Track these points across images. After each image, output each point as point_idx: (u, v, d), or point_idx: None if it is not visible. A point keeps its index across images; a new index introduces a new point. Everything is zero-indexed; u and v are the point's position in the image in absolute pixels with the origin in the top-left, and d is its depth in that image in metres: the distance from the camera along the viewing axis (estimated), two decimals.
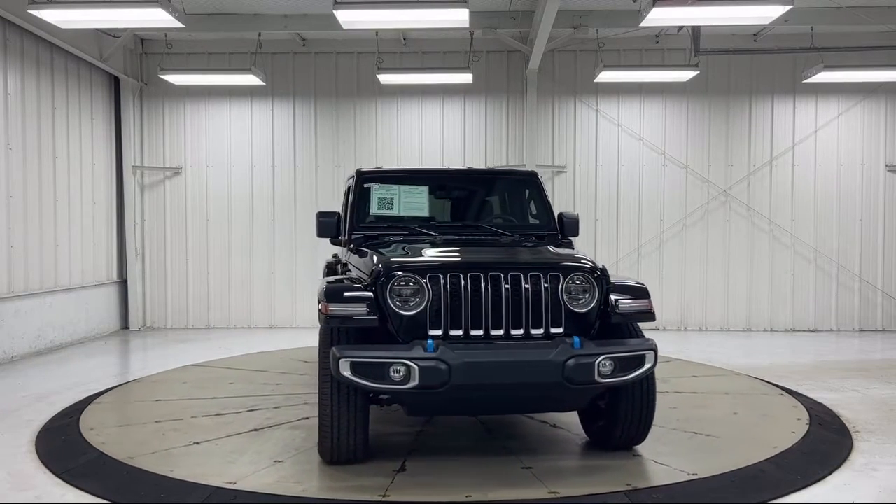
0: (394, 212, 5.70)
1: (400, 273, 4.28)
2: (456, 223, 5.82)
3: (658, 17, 7.30)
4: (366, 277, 4.53)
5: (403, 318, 4.23)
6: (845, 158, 10.99)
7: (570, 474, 4.53)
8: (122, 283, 11.14)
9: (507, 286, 4.29)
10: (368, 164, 10.79)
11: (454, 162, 11.01)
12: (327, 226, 5.66)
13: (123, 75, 10.78)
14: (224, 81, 10.75)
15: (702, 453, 4.87)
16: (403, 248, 4.98)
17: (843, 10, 9.40)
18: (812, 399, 6.46)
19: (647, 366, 4.32)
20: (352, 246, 5.46)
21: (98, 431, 5.33)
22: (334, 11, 7.23)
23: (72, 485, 4.37)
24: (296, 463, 4.64)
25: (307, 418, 5.64)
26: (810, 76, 9.88)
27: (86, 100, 10.25)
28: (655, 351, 4.37)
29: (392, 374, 3.99)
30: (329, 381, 4.25)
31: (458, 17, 7.45)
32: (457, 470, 4.54)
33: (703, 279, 11.04)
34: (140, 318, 11.25)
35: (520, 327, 4.31)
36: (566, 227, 5.81)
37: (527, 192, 6.09)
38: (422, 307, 4.23)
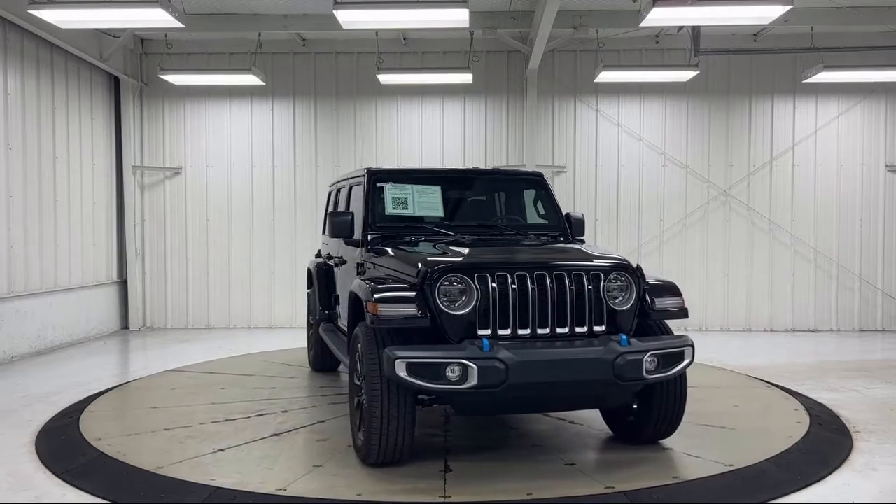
0: (409, 211, 5.72)
1: (449, 273, 4.30)
2: (470, 223, 5.85)
3: (658, 17, 7.30)
4: (408, 276, 4.50)
5: (452, 317, 4.25)
6: (845, 158, 10.98)
7: (616, 469, 4.58)
8: (122, 284, 11.14)
9: (552, 285, 4.36)
10: (369, 164, 10.79)
11: (454, 162, 11.01)
12: (342, 225, 5.57)
13: (123, 75, 10.78)
14: (224, 81, 10.74)
15: (726, 445, 5.01)
16: (435, 248, 5.02)
17: (843, 10, 9.40)
18: (812, 399, 6.46)
19: (686, 361, 4.45)
20: (371, 246, 5.40)
21: (108, 441, 5.08)
22: (334, 11, 7.22)
23: (72, 485, 4.37)
24: (336, 466, 4.58)
25: (323, 421, 5.62)
26: (810, 76, 9.88)
27: (86, 100, 10.25)
28: (693, 347, 4.51)
29: (448, 374, 4.01)
30: (378, 381, 4.22)
31: (458, 17, 7.45)
32: (503, 469, 4.57)
33: (703, 279, 11.04)
34: (140, 319, 11.25)
35: (564, 326, 4.39)
36: (573, 227, 5.96)
37: (535, 192, 6.22)
38: (470, 307, 4.26)
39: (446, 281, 4.28)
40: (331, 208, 7.46)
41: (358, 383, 4.67)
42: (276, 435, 5.28)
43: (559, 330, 4.38)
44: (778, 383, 7.07)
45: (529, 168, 10.47)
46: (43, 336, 9.13)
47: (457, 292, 4.29)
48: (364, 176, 5.86)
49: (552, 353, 4.21)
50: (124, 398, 6.64)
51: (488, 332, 4.27)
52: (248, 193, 11.22)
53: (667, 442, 4.99)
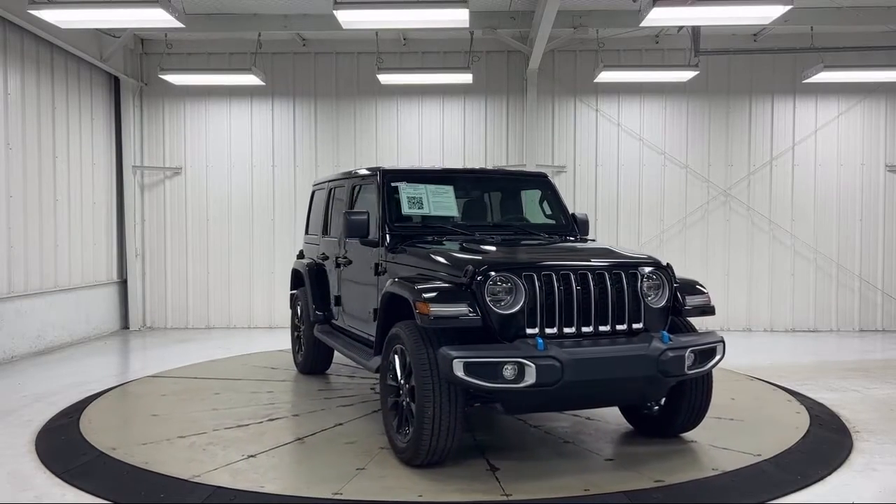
0: (424, 211, 5.73)
1: (498, 272, 4.33)
2: (484, 223, 5.91)
3: (658, 17, 7.30)
4: (451, 276, 4.51)
5: (500, 316, 4.28)
6: (845, 158, 10.98)
7: (657, 462, 4.65)
8: (122, 284, 11.14)
9: (594, 284, 4.45)
10: (369, 165, 10.78)
11: (454, 162, 11.00)
12: (359, 225, 5.48)
13: (123, 75, 10.78)
14: (224, 81, 10.74)
15: (744, 437, 5.15)
16: (463, 247, 5.07)
17: (843, 10, 9.40)
18: (812, 399, 6.46)
19: (718, 357, 4.61)
20: (391, 245, 5.37)
21: (126, 450, 4.91)
22: (334, 11, 7.23)
23: (72, 485, 4.37)
24: (380, 468, 4.54)
25: (341, 424, 5.55)
26: (810, 76, 9.88)
27: (86, 100, 10.25)
28: (724, 343, 4.67)
29: (505, 373, 4.03)
30: (430, 381, 4.22)
31: (458, 17, 7.45)
32: (548, 466, 4.63)
33: (703, 279, 10.90)
34: (140, 318, 11.25)
35: (606, 324, 4.49)
36: (579, 227, 6.09)
37: (542, 192, 6.31)
38: (518, 306, 4.30)
39: (495, 280, 4.32)
40: (318, 208, 7.38)
41: (393, 384, 4.69)
42: (299, 440, 5.19)
43: (601, 328, 4.48)
44: (778, 383, 7.07)
45: (529, 168, 10.48)
46: (43, 336, 9.13)
47: (504, 291, 4.33)
48: (377, 176, 5.81)
49: (602, 350, 4.29)
50: (121, 403, 6.55)
51: (535, 330, 4.32)
52: (248, 193, 11.22)
53: (688, 436, 5.14)
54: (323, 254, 7.00)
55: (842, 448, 5.03)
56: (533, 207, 6.29)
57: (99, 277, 10.55)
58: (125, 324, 11.15)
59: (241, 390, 6.74)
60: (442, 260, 4.78)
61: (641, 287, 4.57)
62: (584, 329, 4.43)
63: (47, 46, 9.27)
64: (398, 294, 4.67)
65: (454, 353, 4.05)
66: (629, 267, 4.61)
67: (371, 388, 6.75)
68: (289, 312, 7.97)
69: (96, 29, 9.83)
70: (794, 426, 5.49)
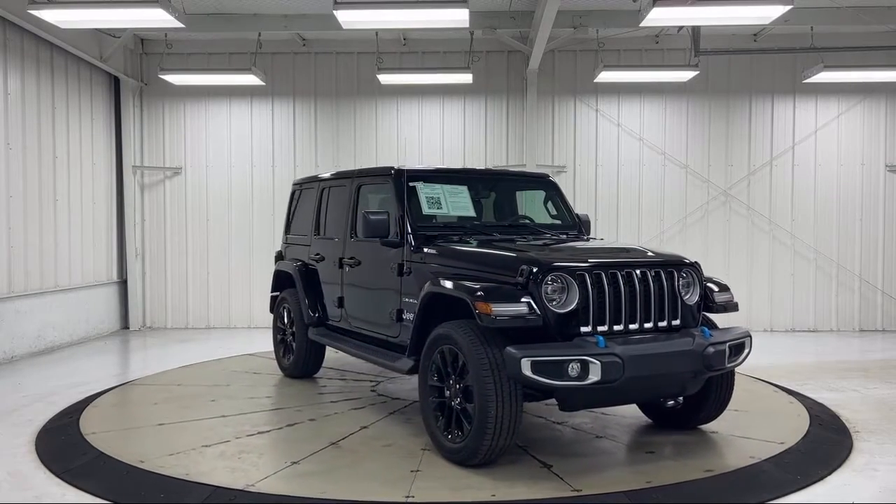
0: (443, 211, 5.74)
1: (554, 272, 4.41)
2: (499, 223, 5.96)
3: (658, 17, 7.30)
4: (502, 276, 4.55)
5: (556, 315, 4.36)
6: (845, 158, 10.98)
7: (699, 454, 4.79)
8: (122, 283, 11.14)
9: (639, 282, 4.59)
10: (369, 164, 10.79)
11: (454, 162, 11.01)
12: (379, 225, 5.40)
13: (123, 75, 10.78)
14: (224, 81, 10.74)
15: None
16: (498, 247, 5.12)
17: (843, 10, 9.40)
18: (812, 399, 6.46)
19: (747, 351, 4.86)
20: (417, 245, 5.35)
21: (160, 462, 4.66)
22: (334, 11, 7.23)
23: (72, 485, 4.37)
24: (434, 469, 4.52)
25: (367, 427, 5.48)
26: (810, 76, 9.88)
27: (86, 100, 10.25)
28: (751, 337, 4.96)
29: (570, 371, 4.10)
30: (492, 381, 4.23)
31: (458, 17, 7.45)
32: (598, 461, 4.76)
33: None
34: (140, 318, 11.25)
35: (649, 321, 4.63)
36: (584, 227, 6.25)
37: (549, 193, 6.43)
38: (573, 305, 4.39)
39: (551, 280, 4.39)
40: (306, 208, 7.21)
41: (437, 384, 4.71)
42: (333, 444, 5.06)
43: (645, 325, 4.62)
44: (778, 383, 7.07)
45: (529, 168, 10.48)
46: (43, 336, 9.13)
47: (558, 290, 4.41)
48: (394, 175, 5.76)
49: (656, 346, 4.43)
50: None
51: (588, 328, 4.41)
52: (248, 193, 11.22)
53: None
54: (317, 254, 6.87)
55: (842, 448, 5.03)
56: (540, 208, 6.38)
57: (99, 277, 10.55)
58: (125, 324, 11.15)
59: (237, 396, 6.51)
60: (491, 260, 4.80)
61: (678, 284, 4.75)
62: (631, 326, 4.56)
63: (47, 46, 9.27)
64: (450, 294, 4.67)
65: (522, 353, 4.09)
66: (668, 265, 4.79)
67: (371, 390, 6.74)
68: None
69: (96, 29, 9.83)
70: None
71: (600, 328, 4.44)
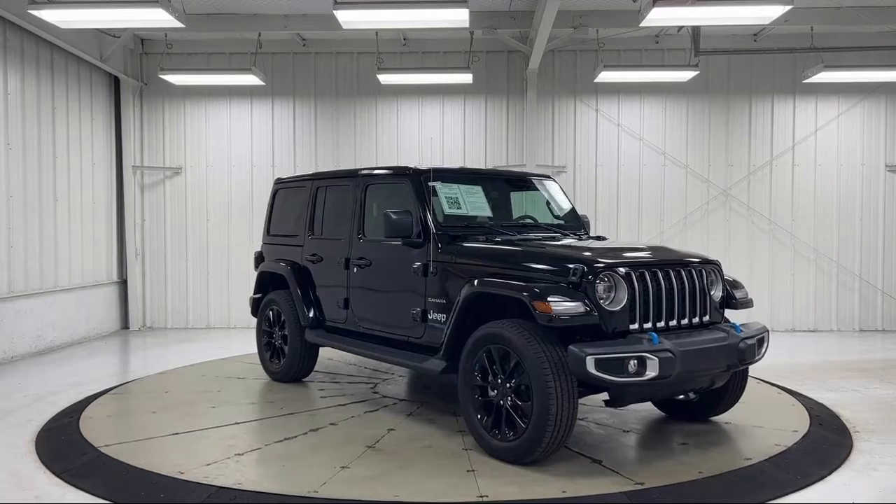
0: (462, 211, 5.76)
1: (606, 271, 4.52)
2: (514, 222, 6.00)
3: (658, 17, 7.30)
4: (551, 275, 4.60)
5: (609, 313, 4.46)
6: (845, 158, 10.98)
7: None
8: (122, 283, 11.14)
9: (679, 280, 4.79)
10: (369, 164, 10.80)
11: (454, 162, 11.01)
12: (402, 225, 5.40)
13: (123, 75, 10.78)
14: (224, 81, 10.74)
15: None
16: (528, 245, 5.22)
17: (843, 10, 9.40)
18: (812, 399, 6.46)
19: (766, 344, 5.04)
20: (444, 245, 5.34)
21: (200, 472, 4.43)
22: (334, 11, 7.23)
23: (72, 485, 4.37)
24: (488, 469, 4.51)
25: (393, 429, 5.40)
26: (810, 76, 9.88)
27: (86, 100, 10.25)
28: (769, 332, 5.16)
29: (629, 367, 4.20)
30: (553, 378, 4.29)
31: (458, 17, 7.45)
32: (644, 454, 4.93)
33: None
34: (140, 318, 11.25)
35: (684, 317, 4.81)
36: (586, 226, 6.41)
37: (555, 193, 6.54)
38: (623, 302, 4.51)
39: (603, 278, 4.48)
40: (296, 207, 7.05)
41: (481, 383, 4.74)
42: (370, 447, 4.97)
43: (683, 321, 4.80)
44: (778, 383, 7.07)
45: (529, 168, 10.49)
46: (43, 336, 9.13)
47: (609, 289, 4.51)
48: (410, 175, 5.75)
49: (701, 341, 4.58)
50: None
51: (636, 326, 4.54)
52: (248, 193, 11.22)
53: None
54: (314, 255, 6.73)
55: (842, 448, 5.03)
56: (551, 207, 6.45)
57: (99, 277, 10.55)
58: (125, 324, 11.15)
59: (239, 402, 6.30)
60: (539, 260, 4.83)
61: (707, 283, 4.96)
62: (671, 323, 4.72)
63: (47, 46, 9.27)
64: (503, 294, 4.69)
65: (587, 350, 4.18)
66: (700, 263, 5.00)
67: (374, 392, 6.67)
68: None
69: (96, 29, 9.83)
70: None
71: (645, 325, 4.57)
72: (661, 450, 4.94)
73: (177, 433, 5.37)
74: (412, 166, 5.93)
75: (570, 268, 4.51)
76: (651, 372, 4.21)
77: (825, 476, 4.49)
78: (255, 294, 7.51)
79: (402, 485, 4.29)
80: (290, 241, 7.10)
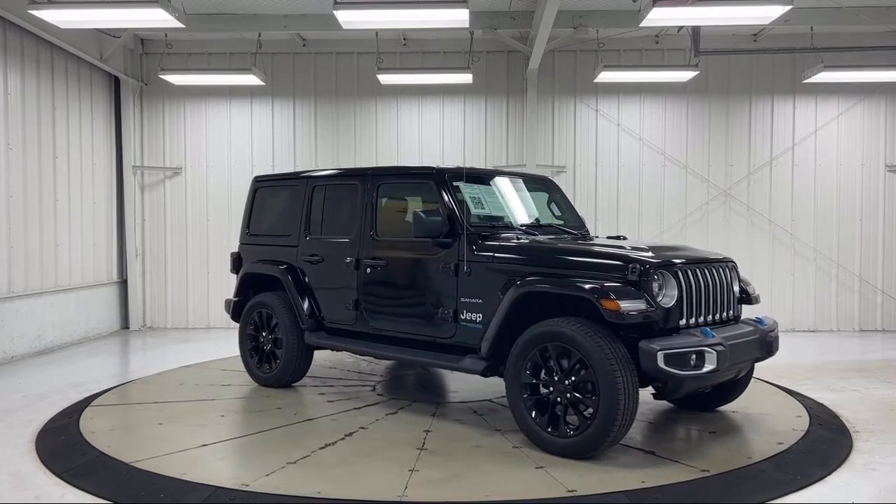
0: (486, 211, 5.80)
1: (661, 269, 4.73)
2: (531, 222, 6.01)
3: (658, 17, 7.31)
4: (605, 273, 4.72)
5: (663, 310, 4.65)
6: (845, 158, 10.98)
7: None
8: (122, 283, 11.14)
9: (716, 277, 5.08)
10: (369, 164, 10.79)
11: (454, 162, 11.00)
12: (434, 225, 5.42)
13: (123, 75, 10.78)
14: (224, 81, 10.74)
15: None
16: (561, 243, 5.38)
17: (843, 10, 9.40)
18: (812, 399, 6.47)
19: (777, 338, 5.31)
20: (478, 245, 5.33)
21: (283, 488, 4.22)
22: (334, 11, 7.23)
23: (72, 485, 4.37)
24: (551, 465, 4.54)
25: (429, 431, 5.33)
26: (810, 76, 9.88)
27: (86, 100, 10.25)
28: (777, 325, 5.43)
29: (691, 361, 4.44)
30: (620, 374, 4.41)
31: (458, 17, 7.45)
32: (680, 445, 5.10)
33: None
34: (140, 318, 11.25)
35: (721, 312, 5.11)
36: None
37: (554, 194, 6.67)
38: (675, 299, 4.71)
39: (657, 276, 4.67)
40: (290, 206, 6.84)
41: (531, 381, 4.81)
42: (420, 449, 4.91)
43: (716, 316, 5.07)
44: (778, 383, 7.08)
45: (529, 168, 10.48)
46: (43, 336, 9.13)
47: (661, 286, 4.69)
48: (434, 175, 5.72)
49: (740, 335, 4.90)
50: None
51: (684, 321, 4.76)
52: None
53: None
54: (313, 255, 6.50)
55: (842, 448, 5.03)
56: (556, 208, 6.54)
57: (99, 277, 10.55)
58: (125, 324, 11.15)
59: (247, 410, 6.07)
60: (592, 260, 4.96)
61: (732, 280, 5.26)
62: (709, 318, 4.97)
63: (47, 46, 9.27)
64: (567, 294, 4.79)
65: (657, 346, 4.41)
66: (727, 261, 5.33)
67: (379, 394, 6.53)
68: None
69: (96, 29, 9.83)
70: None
71: (690, 320, 4.80)
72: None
73: (205, 444, 5.06)
74: (435, 166, 5.92)
75: (629, 266, 4.65)
76: (709, 365, 4.45)
77: (825, 476, 4.49)
78: (235, 297, 7.19)
79: (483, 485, 4.27)
80: (281, 241, 6.84)
